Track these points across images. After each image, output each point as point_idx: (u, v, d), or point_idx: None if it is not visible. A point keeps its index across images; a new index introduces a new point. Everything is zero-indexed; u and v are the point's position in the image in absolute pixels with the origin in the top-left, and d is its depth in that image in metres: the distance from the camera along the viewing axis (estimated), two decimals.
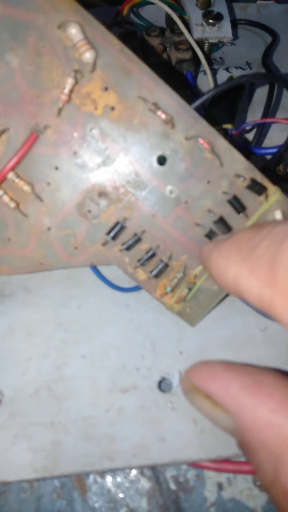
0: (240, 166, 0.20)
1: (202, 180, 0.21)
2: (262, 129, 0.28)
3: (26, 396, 0.21)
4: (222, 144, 0.20)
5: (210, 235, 0.21)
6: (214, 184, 0.21)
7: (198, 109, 0.30)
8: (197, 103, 0.21)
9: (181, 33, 0.32)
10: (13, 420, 0.21)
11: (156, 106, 0.19)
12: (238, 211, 0.21)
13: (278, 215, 0.21)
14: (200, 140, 0.20)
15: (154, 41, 0.32)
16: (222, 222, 0.21)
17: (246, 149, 0.26)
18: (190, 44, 0.32)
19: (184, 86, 0.31)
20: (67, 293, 0.24)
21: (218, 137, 0.20)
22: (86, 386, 0.22)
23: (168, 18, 0.34)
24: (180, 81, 0.31)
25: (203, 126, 0.20)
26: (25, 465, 0.20)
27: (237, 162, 0.20)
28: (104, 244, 0.21)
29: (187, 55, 0.31)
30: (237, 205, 0.21)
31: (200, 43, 0.33)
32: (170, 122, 0.20)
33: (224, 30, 0.34)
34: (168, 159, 0.20)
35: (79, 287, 0.25)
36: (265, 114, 0.29)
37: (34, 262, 0.21)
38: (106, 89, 0.20)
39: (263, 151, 0.26)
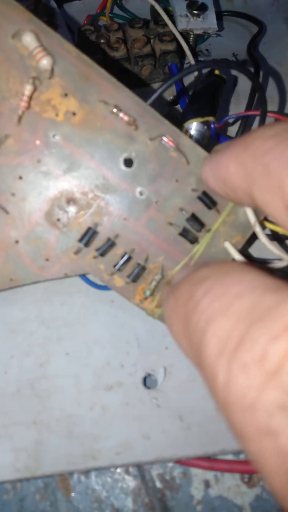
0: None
1: (170, 179, 0.21)
2: (246, 122, 0.27)
3: (8, 395, 0.21)
4: (186, 142, 0.21)
5: (184, 234, 0.21)
6: (182, 182, 0.21)
7: (182, 101, 0.30)
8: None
9: (165, 25, 0.32)
10: None
11: (118, 108, 0.20)
12: (209, 207, 0.21)
13: (228, 247, 0.21)
14: (165, 139, 0.20)
15: (138, 33, 0.31)
16: (194, 219, 0.21)
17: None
18: (174, 35, 0.31)
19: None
20: (50, 289, 0.24)
21: (181, 135, 0.20)
22: (70, 384, 0.21)
23: (153, 9, 0.34)
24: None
25: (166, 125, 0.20)
26: (7, 465, 0.19)
27: (201, 158, 0.21)
28: (77, 252, 0.21)
29: (171, 47, 0.31)
30: (207, 200, 0.21)
31: (185, 34, 0.33)
32: (133, 123, 0.20)
33: (209, 21, 0.33)
34: (134, 160, 0.20)
35: (62, 283, 0.24)
36: (249, 107, 0.28)
37: (3, 279, 0.20)
38: (66, 95, 0.20)
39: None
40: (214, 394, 0.13)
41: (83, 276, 0.24)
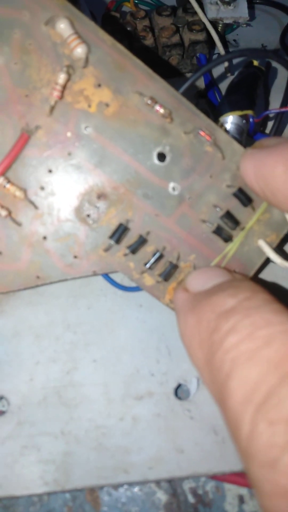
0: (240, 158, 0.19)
1: (204, 175, 0.20)
2: (281, 118, 0.26)
3: (34, 404, 0.20)
4: (222, 136, 0.20)
5: (218, 231, 0.20)
6: (217, 178, 0.20)
7: (211, 94, 0.28)
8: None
9: (195, 13, 0.30)
10: (21, 430, 0.19)
11: (154, 100, 0.19)
12: (245, 204, 0.20)
13: (262, 245, 0.20)
14: (201, 133, 0.19)
15: (166, 21, 0.30)
16: (229, 216, 0.20)
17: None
18: (204, 24, 0.29)
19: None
20: (75, 292, 0.23)
21: (217, 129, 0.20)
22: (98, 392, 0.20)
23: None
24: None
25: (201, 119, 0.19)
26: (35, 478, 0.18)
27: (237, 154, 0.20)
28: (106, 249, 0.20)
29: (201, 37, 0.29)
30: (243, 197, 0.20)
31: (214, 23, 0.31)
32: (169, 116, 0.19)
33: (240, 10, 0.31)
34: (168, 155, 0.20)
35: (88, 286, 0.23)
36: (285, 102, 0.27)
37: (30, 277, 0.19)
38: (99, 85, 0.19)
39: None
40: (235, 440, 0.13)
41: (109, 278, 0.23)
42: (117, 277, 0.23)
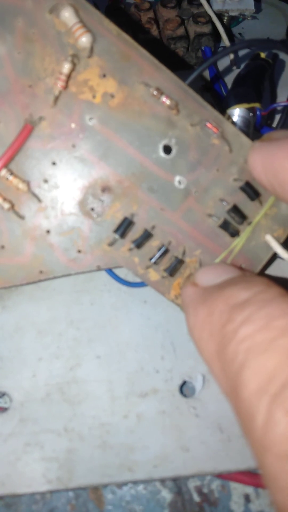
0: (248, 151, 0.19)
1: (211, 168, 0.20)
2: None
3: (37, 400, 0.19)
4: (229, 128, 0.19)
5: (224, 226, 0.20)
6: (224, 171, 0.20)
7: (217, 87, 0.28)
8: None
9: (200, 5, 0.30)
10: (24, 427, 0.19)
11: (160, 91, 0.18)
12: (252, 198, 0.20)
13: (269, 240, 0.20)
14: (208, 125, 0.19)
15: (171, 13, 0.29)
16: (236, 210, 0.20)
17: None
18: (209, 17, 0.29)
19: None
20: (78, 288, 0.22)
21: (224, 122, 0.19)
22: (102, 389, 0.20)
23: None
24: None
25: (209, 111, 0.19)
26: (38, 476, 0.18)
27: (245, 147, 0.20)
28: (111, 244, 0.19)
29: (206, 29, 0.29)
30: (250, 191, 0.20)
31: (219, 16, 0.31)
32: (175, 107, 0.19)
33: (246, 2, 0.31)
34: (174, 147, 0.19)
35: (92, 281, 0.23)
36: None
37: (33, 271, 0.19)
38: (104, 75, 0.18)
39: None
40: (247, 432, 0.12)
41: (113, 274, 0.22)
42: (121, 273, 0.22)
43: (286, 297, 0.14)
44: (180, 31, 0.29)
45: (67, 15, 0.17)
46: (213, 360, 0.14)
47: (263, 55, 0.23)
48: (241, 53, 0.31)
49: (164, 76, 0.19)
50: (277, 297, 0.14)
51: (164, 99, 0.18)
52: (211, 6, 0.30)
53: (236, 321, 0.13)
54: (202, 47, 0.29)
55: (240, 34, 0.34)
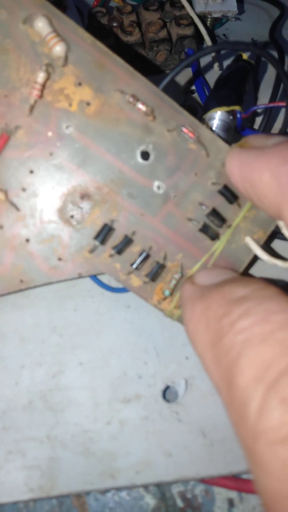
0: (225, 155, 0.19)
1: (189, 173, 0.20)
2: (270, 113, 0.25)
3: (19, 408, 0.19)
4: (206, 133, 0.20)
5: (204, 229, 0.20)
6: (202, 175, 0.20)
7: (200, 89, 0.28)
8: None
9: (182, 7, 0.29)
10: (6, 435, 0.19)
11: (135, 98, 0.18)
12: (230, 201, 0.20)
13: (249, 242, 0.20)
14: (185, 130, 0.19)
15: (153, 16, 0.29)
16: (215, 214, 0.20)
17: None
18: (192, 19, 0.29)
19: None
20: (61, 294, 0.22)
21: (200, 127, 0.19)
22: (85, 396, 0.20)
23: None
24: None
25: (184, 116, 0.19)
26: (20, 484, 0.18)
27: (222, 151, 0.20)
28: (92, 250, 0.19)
29: (189, 31, 0.29)
30: (229, 195, 0.20)
31: (202, 17, 0.31)
32: (151, 114, 0.19)
33: (228, 4, 0.31)
34: (151, 153, 0.19)
35: (75, 287, 0.23)
36: (274, 97, 0.26)
37: (13, 280, 0.19)
38: (80, 84, 0.18)
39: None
40: (239, 420, 0.12)
41: (96, 279, 0.22)
42: (104, 278, 0.22)
43: (284, 296, 0.14)
44: (163, 33, 0.29)
45: (41, 25, 0.17)
46: (206, 351, 0.14)
47: (245, 56, 0.23)
48: (228, 56, 0.31)
49: (139, 83, 0.19)
50: (275, 294, 0.14)
51: (140, 105, 0.18)
52: (193, 8, 0.30)
53: (234, 314, 0.13)
54: (185, 49, 0.29)
55: (224, 35, 0.34)
